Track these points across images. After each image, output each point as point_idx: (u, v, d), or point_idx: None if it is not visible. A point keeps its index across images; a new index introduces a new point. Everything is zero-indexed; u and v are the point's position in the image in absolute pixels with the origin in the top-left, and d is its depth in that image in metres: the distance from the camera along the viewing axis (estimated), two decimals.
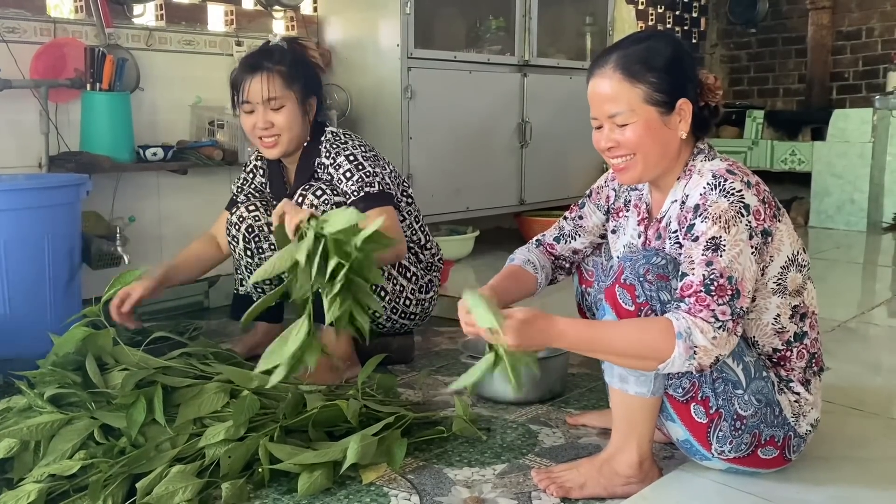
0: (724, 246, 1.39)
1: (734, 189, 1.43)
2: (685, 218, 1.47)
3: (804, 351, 1.54)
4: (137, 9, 3.04)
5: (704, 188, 1.45)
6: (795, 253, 1.51)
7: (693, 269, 1.40)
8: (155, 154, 2.88)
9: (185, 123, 3.19)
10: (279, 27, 3.59)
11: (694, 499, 1.52)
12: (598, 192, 1.82)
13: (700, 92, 1.54)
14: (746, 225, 1.41)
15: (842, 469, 1.64)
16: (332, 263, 1.52)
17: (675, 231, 1.50)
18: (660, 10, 5.94)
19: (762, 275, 1.47)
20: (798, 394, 1.53)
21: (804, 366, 1.55)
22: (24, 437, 1.58)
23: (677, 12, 6.11)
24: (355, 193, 2.14)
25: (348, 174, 2.16)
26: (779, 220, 1.49)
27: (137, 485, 1.49)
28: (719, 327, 1.36)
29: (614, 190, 1.78)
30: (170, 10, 3.20)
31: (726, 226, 1.40)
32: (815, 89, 5.74)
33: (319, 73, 2.36)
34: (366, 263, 1.55)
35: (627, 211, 1.73)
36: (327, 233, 1.53)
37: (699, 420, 1.49)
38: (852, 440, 1.79)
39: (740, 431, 1.48)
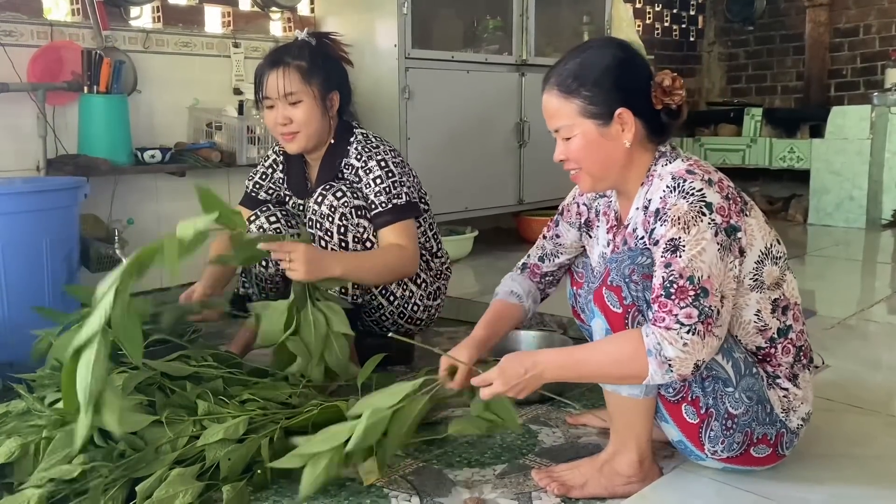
0: (684, 246, 1.38)
1: (694, 189, 1.42)
2: (648, 223, 1.47)
3: (790, 346, 1.54)
4: (134, 11, 3.05)
5: (664, 191, 1.45)
6: (769, 245, 1.50)
7: (656, 272, 1.41)
8: (153, 156, 2.88)
9: (183, 125, 3.19)
10: (276, 28, 3.59)
11: (694, 498, 1.52)
12: (569, 210, 1.82)
13: (655, 95, 1.52)
14: (710, 223, 1.40)
15: (841, 467, 1.64)
16: None
17: (642, 237, 1.50)
18: (657, 9, 5.94)
19: (738, 272, 1.46)
20: (786, 389, 1.53)
21: (791, 361, 1.54)
22: (24, 444, 1.57)
23: (675, 10, 6.11)
24: (384, 205, 2.15)
25: (378, 180, 2.16)
26: (746, 215, 1.48)
27: (137, 488, 1.48)
28: (687, 331, 1.35)
29: (585, 205, 1.78)
30: (167, 12, 3.20)
31: (686, 226, 1.39)
32: (813, 87, 5.74)
33: (347, 67, 2.33)
34: None
35: (598, 221, 1.73)
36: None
37: (690, 420, 1.49)
38: (852, 437, 1.78)
39: (732, 431, 1.48)
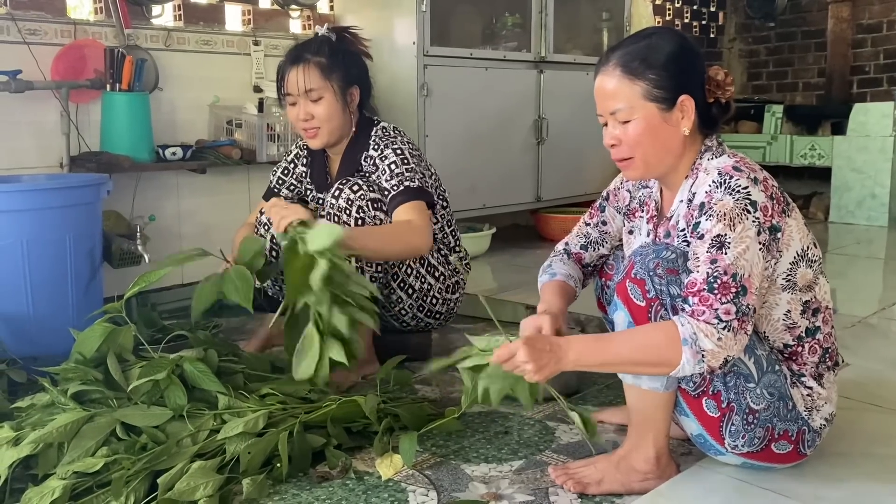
0: (729, 243, 1.38)
1: (740, 186, 1.42)
2: (692, 216, 1.47)
3: (816, 346, 1.54)
4: (156, 9, 3.07)
5: (710, 186, 1.45)
6: (805, 248, 1.51)
7: (698, 266, 1.40)
8: (174, 153, 2.90)
9: (204, 123, 3.22)
10: (296, 26, 3.61)
11: (711, 495, 1.52)
12: (616, 195, 1.81)
13: (709, 88, 1.53)
14: (753, 221, 1.40)
15: (861, 465, 1.63)
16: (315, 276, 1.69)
17: (683, 230, 1.50)
18: (677, 5, 5.90)
19: (772, 272, 1.47)
20: (810, 388, 1.53)
21: (817, 361, 1.54)
22: (49, 440, 1.59)
23: (695, 7, 6.07)
24: (395, 188, 2.14)
25: (393, 166, 2.16)
26: (788, 216, 1.48)
27: (159, 480, 1.51)
28: (724, 328, 1.35)
29: (629, 191, 1.78)
30: (188, 11, 3.22)
31: (731, 223, 1.39)
32: (834, 83, 5.68)
33: (366, 61, 2.34)
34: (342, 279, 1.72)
35: (641, 211, 1.73)
36: (311, 250, 1.69)
37: (711, 414, 1.49)
38: (871, 436, 1.77)
39: (753, 425, 1.48)
